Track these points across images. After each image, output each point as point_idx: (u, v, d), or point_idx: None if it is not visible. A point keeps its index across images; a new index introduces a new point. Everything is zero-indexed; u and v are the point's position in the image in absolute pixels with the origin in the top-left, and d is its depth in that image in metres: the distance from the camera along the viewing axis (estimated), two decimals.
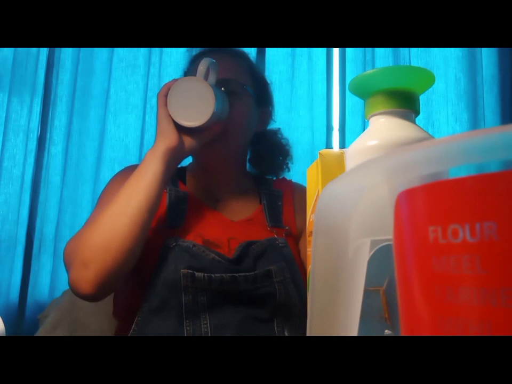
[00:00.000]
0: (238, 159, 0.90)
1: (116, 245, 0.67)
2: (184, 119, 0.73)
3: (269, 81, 0.95)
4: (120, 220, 0.68)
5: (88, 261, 0.67)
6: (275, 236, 0.82)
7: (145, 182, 0.71)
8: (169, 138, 0.73)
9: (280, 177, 0.97)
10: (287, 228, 0.85)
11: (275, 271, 0.76)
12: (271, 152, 0.95)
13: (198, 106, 0.72)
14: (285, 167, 0.97)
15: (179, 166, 0.93)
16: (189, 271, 0.72)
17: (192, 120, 0.73)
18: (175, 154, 0.74)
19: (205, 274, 0.72)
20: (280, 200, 0.89)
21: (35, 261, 1.37)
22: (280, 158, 0.96)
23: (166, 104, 0.74)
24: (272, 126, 0.96)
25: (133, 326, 0.73)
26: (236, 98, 0.82)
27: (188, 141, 0.75)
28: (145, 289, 0.73)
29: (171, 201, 0.81)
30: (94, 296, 0.69)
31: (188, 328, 0.71)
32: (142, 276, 0.75)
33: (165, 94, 0.74)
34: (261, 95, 0.90)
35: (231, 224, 0.82)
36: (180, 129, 0.74)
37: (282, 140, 0.97)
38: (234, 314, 0.73)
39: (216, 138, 0.79)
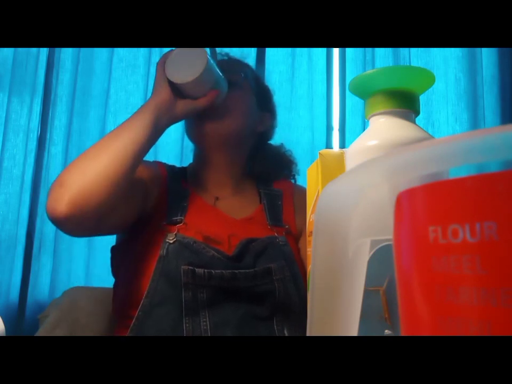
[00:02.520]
0: (236, 152, 0.89)
1: (94, 172, 0.68)
2: (177, 78, 0.76)
3: (271, 90, 0.96)
4: (103, 152, 0.70)
5: (64, 181, 0.67)
6: (275, 234, 0.82)
7: (132, 127, 0.72)
8: (161, 95, 0.75)
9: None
10: (287, 226, 0.85)
11: (275, 269, 0.77)
12: (276, 166, 0.95)
13: (191, 66, 0.76)
14: (291, 178, 0.98)
15: (179, 166, 0.93)
16: (190, 267, 0.72)
17: (184, 78, 0.76)
18: (165, 111, 0.75)
19: (205, 271, 0.73)
20: (280, 200, 0.90)
21: (35, 261, 1.37)
22: (285, 172, 0.97)
23: (163, 70, 0.76)
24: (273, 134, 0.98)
25: (133, 321, 0.73)
26: (235, 86, 0.84)
27: (182, 104, 0.77)
28: (145, 285, 0.74)
29: (172, 198, 0.81)
30: (68, 218, 0.66)
31: (187, 325, 0.71)
32: (142, 271, 0.75)
33: (163, 62, 0.77)
34: (261, 96, 0.91)
35: (231, 222, 0.83)
36: (177, 93, 0.77)
37: (286, 152, 0.99)
38: (234, 312, 0.73)
39: (212, 115, 0.81)
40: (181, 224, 0.78)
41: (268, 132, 0.96)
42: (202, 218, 0.81)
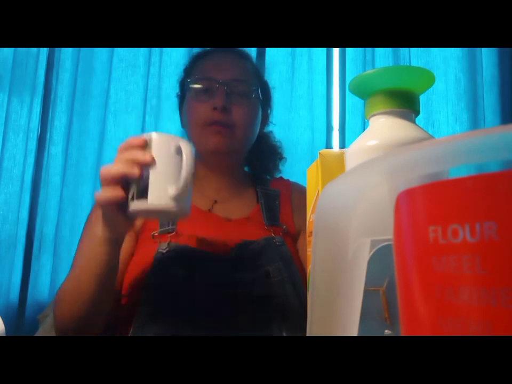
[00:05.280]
0: (239, 158, 0.90)
1: (86, 318, 0.69)
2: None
3: (270, 85, 0.96)
4: (86, 296, 0.67)
5: (68, 331, 0.70)
6: (272, 234, 0.82)
7: (108, 267, 0.66)
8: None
9: (278, 177, 0.98)
10: (284, 226, 0.85)
11: (272, 271, 0.76)
12: (267, 155, 0.96)
13: None
14: (278, 168, 0.98)
15: None
16: (185, 274, 0.72)
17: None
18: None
19: (202, 277, 0.72)
20: (278, 200, 0.89)
21: (35, 261, 1.37)
22: (274, 160, 0.97)
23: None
24: (271, 126, 0.98)
25: (130, 331, 0.73)
26: (246, 99, 0.83)
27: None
28: (141, 294, 0.73)
29: None
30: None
31: (185, 332, 0.71)
32: (138, 281, 0.74)
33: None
34: (265, 98, 0.91)
35: (226, 224, 0.82)
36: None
37: (275, 142, 0.99)
38: (232, 316, 0.73)
39: (224, 132, 0.80)
40: (174, 232, 0.77)
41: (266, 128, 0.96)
42: (195, 223, 0.79)
